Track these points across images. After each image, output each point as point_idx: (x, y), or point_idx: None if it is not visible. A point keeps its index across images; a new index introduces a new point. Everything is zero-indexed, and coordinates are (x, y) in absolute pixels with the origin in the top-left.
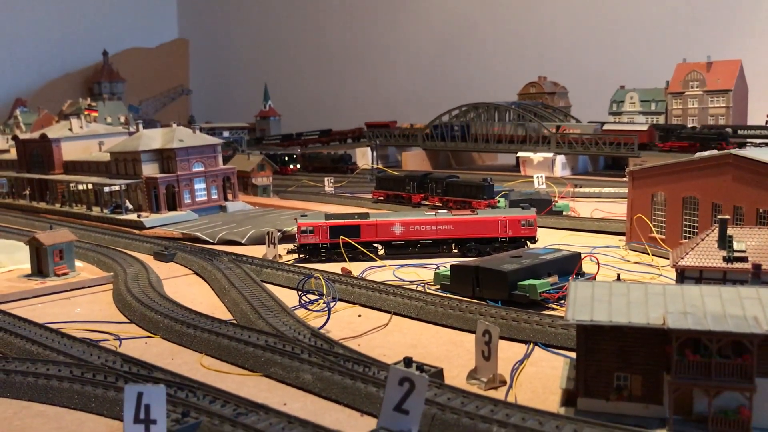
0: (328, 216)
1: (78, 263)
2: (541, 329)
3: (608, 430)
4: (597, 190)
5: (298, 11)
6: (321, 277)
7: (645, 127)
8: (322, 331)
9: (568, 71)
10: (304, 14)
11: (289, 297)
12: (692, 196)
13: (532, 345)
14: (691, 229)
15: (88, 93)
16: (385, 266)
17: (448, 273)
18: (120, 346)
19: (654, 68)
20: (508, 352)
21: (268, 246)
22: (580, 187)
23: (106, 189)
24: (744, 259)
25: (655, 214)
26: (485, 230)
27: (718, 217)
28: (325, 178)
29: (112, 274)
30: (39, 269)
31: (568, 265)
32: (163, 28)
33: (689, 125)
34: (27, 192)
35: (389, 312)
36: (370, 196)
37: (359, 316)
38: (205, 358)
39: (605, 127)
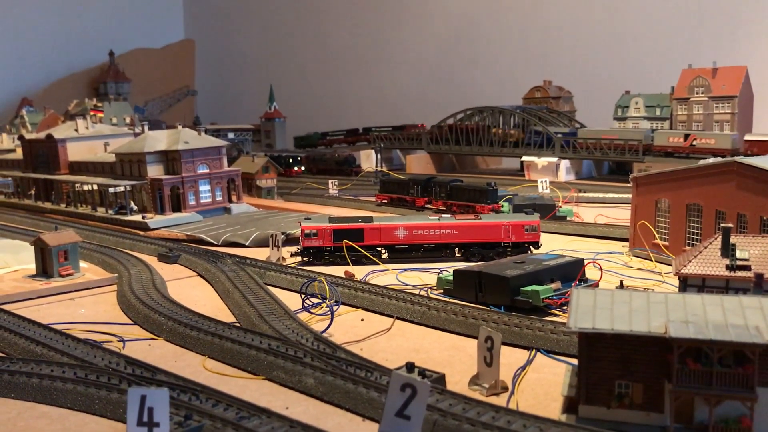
0: (331, 219)
1: (82, 264)
2: (544, 335)
3: None
4: (601, 195)
5: (304, 13)
6: (324, 280)
7: None
8: (324, 334)
9: (573, 76)
10: (310, 16)
11: (292, 300)
12: (696, 203)
13: (534, 351)
14: (695, 237)
15: (94, 93)
16: (388, 270)
17: (451, 278)
18: (123, 347)
19: (659, 73)
20: (510, 358)
21: (272, 248)
22: (584, 192)
23: (111, 190)
24: (747, 268)
25: (659, 221)
26: (489, 235)
27: (722, 225)
28: (329, 181)
29: (116, 275)
30: (44, 270)
31: (571, 271)
32: (169, 29)
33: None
34: (32, 192)
35: (392, 316)
36: (374, 199)
37: (362, 320)
38: (208, 360)
39: (746, 137)
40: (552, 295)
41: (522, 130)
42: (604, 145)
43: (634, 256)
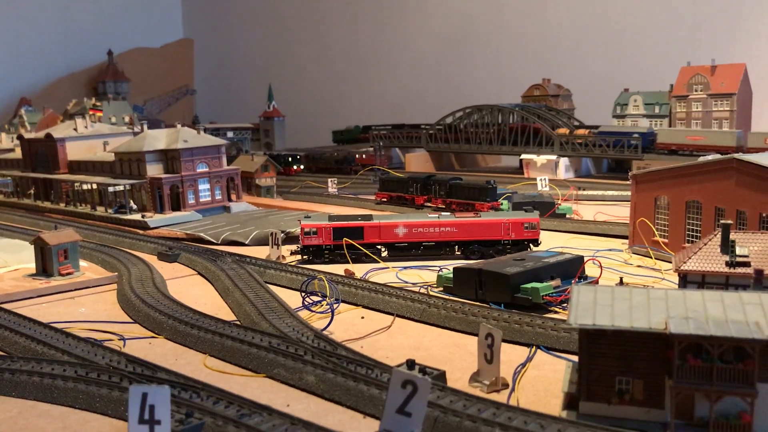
0: (331, 217)
1: (82, 263)
2: (544, 332)
3: None
4: (600, 193)
5: (303, 12)
6: (324, 278)
7: None
8: (325, 332)
9: (572, 74)
10: (309, 15)
11: (292, 298)
12: (695, 200)
13: (534, 348)
14: (694, 233)
15: (93, 92)
16: (388, 268)
17: (451, 275)
18: (124, 346)
19: (658, 71)
20: (510, 355)
21: (272, 247)
22: (584, 189)
23: (111, 189)
24: (746, 264)
25: (658, 218)
26: (488, 233)
27: (721, 221)
28: (329, 179)
29: (116, 274)
30: (44, 269)
31: (571, 269)
32: (168, 28)
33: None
34: (32, 191)
35: (392, 314)
36: (373, 197)
37: (362, 317)
38: (208, 358)
39: None
40: (552, 293)
41: (591, 131)
42: (690, 147)
43: (633, 253)
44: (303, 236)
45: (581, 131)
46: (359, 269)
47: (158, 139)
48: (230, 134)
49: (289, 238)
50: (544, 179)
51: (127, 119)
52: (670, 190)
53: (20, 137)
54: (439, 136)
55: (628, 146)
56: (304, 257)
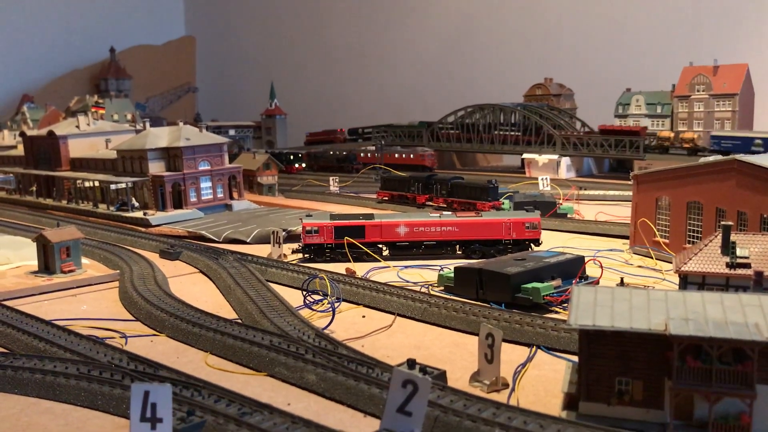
0: (333, 216)
1: (84, 260)
2: (544, 332)
3: None
4: (601, 192)
5: (305, 10)
6: (325, 277)
7: None
8: (326, 331)
9: (574, 73)
10: (311, 13)
11: (293, 297)
12: (696, 201)
13: (534, 348)
14: (695, 234)
15: (95, 90)
16: (389, 267)
17: (452, 275)
18: (126, 344)
19: (660, 71)
20: (510, 355)
21: (273, 245)
22: (585, 189)
23: (113, 186)
24: (747, 266)
25: (659, 219)
26: (489, 232)
27: (722, 223)
28: (330, 178)
29: (118, 271)
30: (46, 266)
31: (572, 269)
32: (170, 25)
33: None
34: (34, 188)
35: (393, 313)
36: (375, 196)
37: (363, 317)
38: (210, 357)
39: None
40: (552, 293)
41: (697, 133)
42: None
43: (634, 253)
44: (304, 235)
45: (689, 134)
46: (360, 268)
47: (160, 136)
48: (232, 132)
49: (291, 237)
50: (546, 179)
51: (129, 117)
52: (672, 190)
53: (23, 134)
54: (440, 135)
55: (749, 152)
56: (306, 256)
